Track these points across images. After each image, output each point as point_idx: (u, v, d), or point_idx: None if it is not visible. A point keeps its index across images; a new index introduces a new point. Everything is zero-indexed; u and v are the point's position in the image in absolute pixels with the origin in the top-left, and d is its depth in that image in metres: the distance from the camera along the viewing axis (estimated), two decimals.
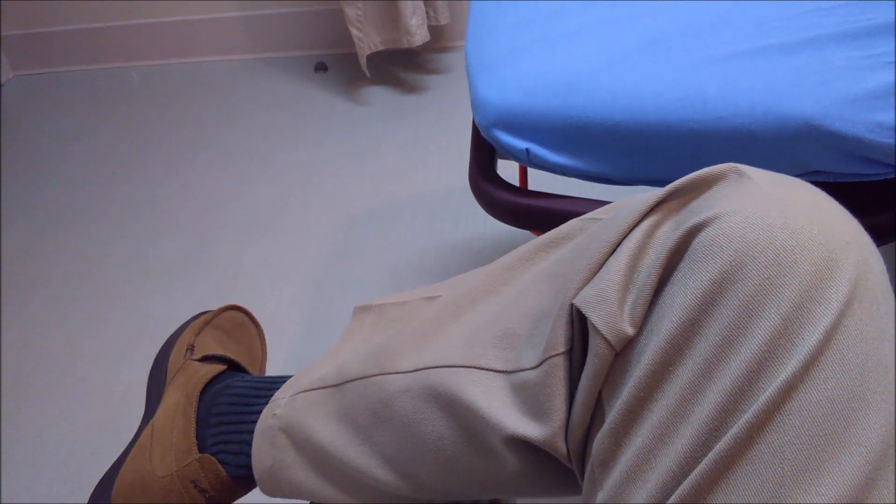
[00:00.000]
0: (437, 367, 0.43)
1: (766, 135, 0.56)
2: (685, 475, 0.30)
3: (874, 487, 0.27)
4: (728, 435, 0.29)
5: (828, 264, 0.30)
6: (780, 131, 0.56)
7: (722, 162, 0.36)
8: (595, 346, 0.35)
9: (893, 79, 0.55)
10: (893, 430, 0.28)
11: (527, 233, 1.29)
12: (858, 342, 0.29)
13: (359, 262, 1.33)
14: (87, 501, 0.55)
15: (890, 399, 0.28)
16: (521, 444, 0.39)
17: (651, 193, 0.37)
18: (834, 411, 0.28)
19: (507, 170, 0.73)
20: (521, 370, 0.39)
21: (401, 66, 1.82)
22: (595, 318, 0.35)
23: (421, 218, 1.39)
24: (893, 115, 0.54)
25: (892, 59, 0.56)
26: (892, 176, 0.57)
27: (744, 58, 0.60)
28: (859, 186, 0.60)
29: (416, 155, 1.54)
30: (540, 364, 0.38)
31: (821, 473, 0.27)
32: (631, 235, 0.36)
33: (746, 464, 0.28)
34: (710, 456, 0.29)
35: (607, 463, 0.34)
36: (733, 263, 0.30)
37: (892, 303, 0.31)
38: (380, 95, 1.74)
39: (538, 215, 0.66)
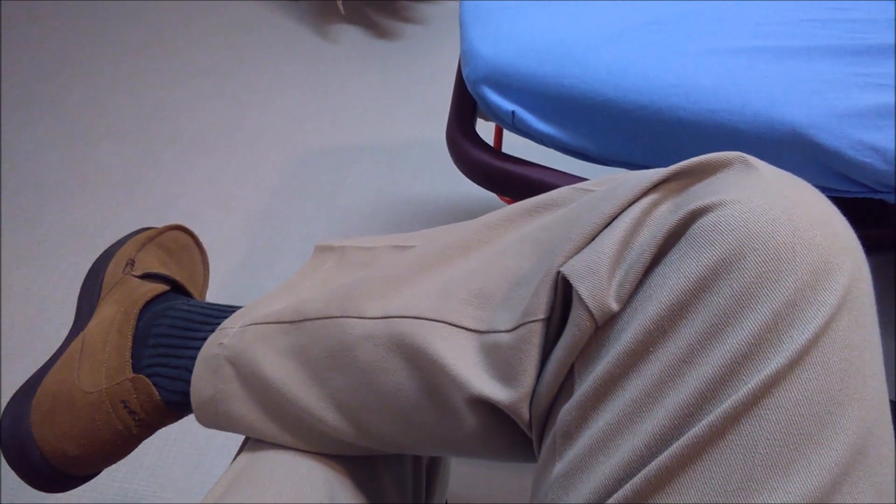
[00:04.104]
0: (406, 317, 0.41)
1: (753, 136, 0.57)
2: (652, 456, 0.29)
3: (839, 491, 0.27)
4: (703, 422, 0.28)
5: (825, 266, 0.30)
6: (767, 135, 0.56)
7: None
8: (577, 317, 0.34)
9: (882, 100, 0.56)
10: (863, 438, 0.29)
11: (482, 200, 1.28)
12: (843, 348, 0.29)
13: (307, 202, 1.29)
14: (3, 408, 0.51)
15: (864, 406, 0.29)
16: (483, 406, 0.38)
17: (654, 171, 0.36)
18: (811, 412, 0.28)
19: (482, 132, 0.71)
20: (494, 332, 0.38)
21: (376, 9, 1.75)
22: (582, 289, 0.34)
23: (378, 167, 1.36)
24: (876, 136, 0.55)
25: (882, 80, 0.57)
26: (865, 195, 0.58)
27: (742, 55, 0.59)
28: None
29: (380, 103, 1.50)
30: (516, 328, 0.37)
31: (790, 471, 0.27)
32: (629, 210, 0.35)
33: (717, 452, 0.28)
34: (682, 440, 0.29)
35: (571, 435, 0.34)
36: (732, 252, 0.30)
37: (876, 315, 0.32)
38: (350, 35, 1.67)
39: (513, 181, 0.65)
